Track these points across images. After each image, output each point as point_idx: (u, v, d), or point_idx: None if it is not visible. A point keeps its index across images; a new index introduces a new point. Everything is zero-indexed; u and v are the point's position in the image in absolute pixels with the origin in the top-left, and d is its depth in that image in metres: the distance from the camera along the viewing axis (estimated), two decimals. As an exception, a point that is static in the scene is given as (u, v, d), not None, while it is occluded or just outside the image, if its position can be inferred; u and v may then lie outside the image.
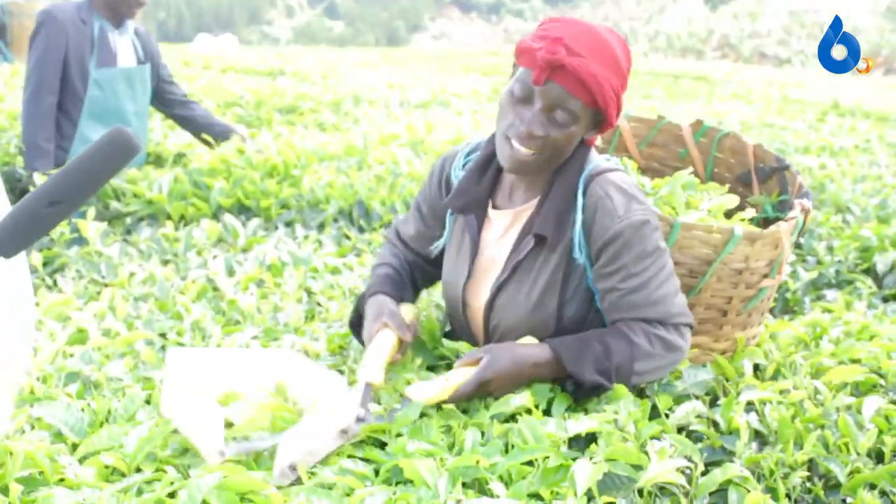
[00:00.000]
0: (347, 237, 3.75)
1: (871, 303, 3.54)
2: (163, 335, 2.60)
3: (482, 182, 2.24)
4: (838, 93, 12.94)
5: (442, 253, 2.40)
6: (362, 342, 2.28)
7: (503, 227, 2.24)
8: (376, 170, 4.46)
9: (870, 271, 3.90)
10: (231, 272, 3.21)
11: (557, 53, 1.95)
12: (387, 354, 2.09)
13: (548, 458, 1.73)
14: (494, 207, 2.26)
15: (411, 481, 1.68)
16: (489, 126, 6.48)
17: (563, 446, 1.81)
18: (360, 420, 1.85)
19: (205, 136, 4.69)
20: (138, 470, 1.76)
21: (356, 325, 2.35)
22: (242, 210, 4.00)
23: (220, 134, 4.71)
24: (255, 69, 10.72)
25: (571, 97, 1.99)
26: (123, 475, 1.73)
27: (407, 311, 2.28)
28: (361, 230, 3.92)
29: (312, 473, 1.72)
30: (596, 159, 2.19)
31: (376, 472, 1.76)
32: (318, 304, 2.92)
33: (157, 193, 3.94)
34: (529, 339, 2.11)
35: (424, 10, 62.60)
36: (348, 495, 1.63)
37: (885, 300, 3.67)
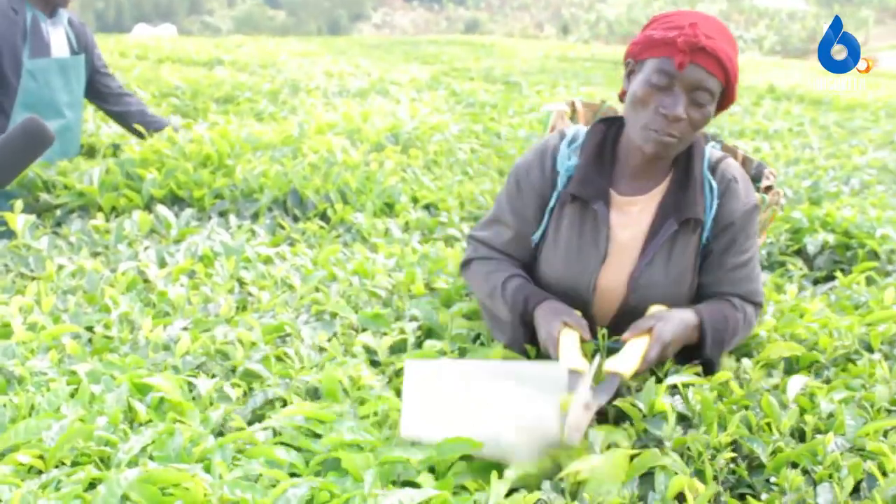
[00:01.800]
0: (282, 226, 3.71)
1: (802, 285, 3.57)
2: (90, 328, 2.56)
3: (603, 170, 2.33)
4: (774, 77, 13.10)
5: (535, 247, 2.45)
6: (521, 350, 2.33)
7: (634, 213, 2.34)
8: (311, 158, 4.42)
9: (801, 252, 3.94)
10: (163, 263, 3.17)
11: (698, 37, 2.09)
12: (579, 348, 2.11)
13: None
14: (618, 194, 2.35)
15: (346, 472, 1.67)
16: (426, 113, 6.46)
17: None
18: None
19: (137, 126, 4.61)
20: (60, 464, 1.73)
21: (520, 337, 2.33)
22: (176, 201, 3.94)
23: (154, 129, 4.63)
24: (192, 59, 10.59)
25: (711, 76, 2.13)
26: (41, 472, 1.70)
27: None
28: (296, 219, 3.88)
29: (235, 465, 1.70)
30: (708, 147, 2.40)
31: (307, 463, 1.75)
32: (250, 294, 2.89)
33: (88, 185, 3.87)
34: (660, 307, 2.26)
35: (366, -1, 62.33)
36: (274, 486, 1.61)
37: (816, 282, 3.70)
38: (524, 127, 6.50)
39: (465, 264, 2.55)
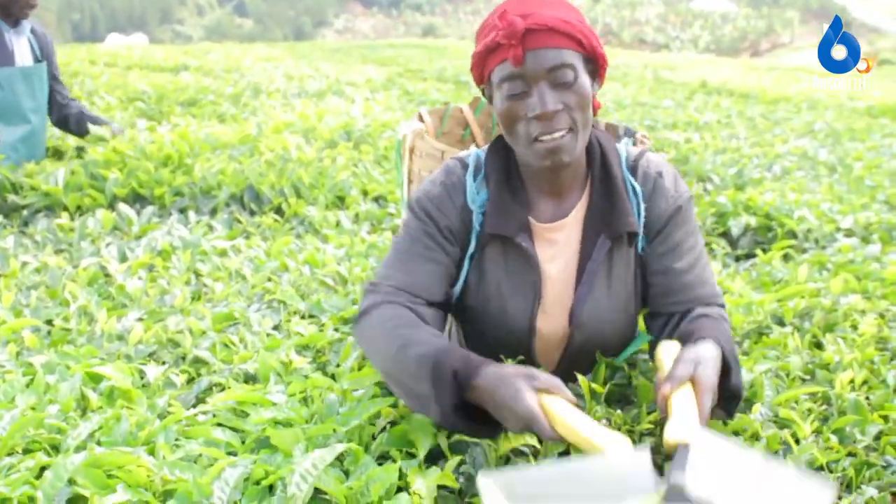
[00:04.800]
0: (238, 221, 3.68)
1: (725, 262, 3.59)
2: (49, 322, 2.52)
3: (516, 198, 1.87)
4: (706, 73, 13.19)
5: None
6: (462, 429, 1.62)
7: (559, 240, 1.90)
8: (267, 156, 4.38)
9: (726, 234, 3.96)
10: (123, 259, 3.12)
11: (514, 23, 1.70)
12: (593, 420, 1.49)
13: (403, 419, 1.71)
14: (538, 222, 1.90)
15: (276, 448, 1.64)
16: (379, 111, 6.43)
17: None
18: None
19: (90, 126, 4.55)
20: (13, 452, 1.69)
21: (451, 418, 1.58)
22: (138, 199, 3.90)
23: (90, 122, 4.62)
24: (159, 65, 10.46)
25: (558, 50, 1.71)
26: (-7, 459, 1.66)
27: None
28: (252, 214, 3.85)
29: (178, 447, 1.67)
30: (621, 146, 1.97)
31: (243, 442, 1.73)
32: (205, 286, 2.85)
33: (54, 186, 3.81)
34: (672, 344, 1.73)
35: (328, 7, 62.22)
36: (212, 465, 1.58)
37: (738, 259, 3.73)
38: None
39: (363, 315, 1.79)
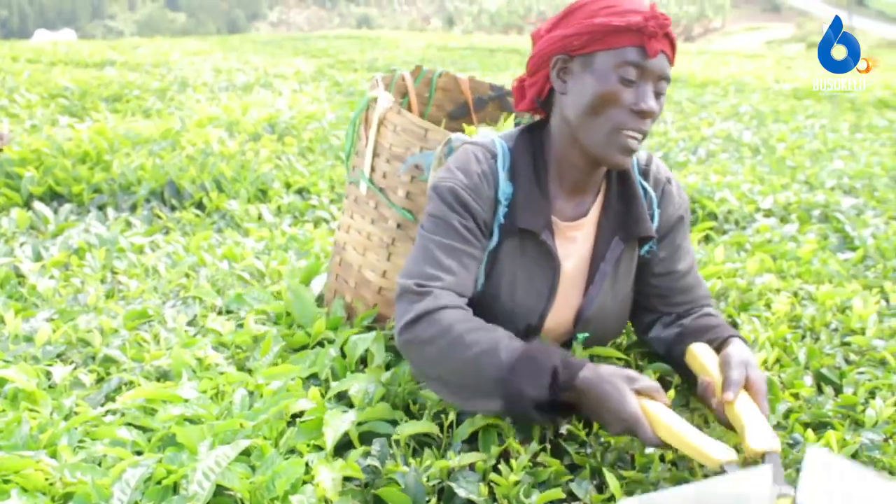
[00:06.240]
0: (158, 216, 3.62)
1: (647, 246, 3.62)
2: (-46, 326, 2.45)
3: (545, 194, 1.83)
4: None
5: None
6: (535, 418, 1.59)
7: (577, 238, 1.88)
8: (189, 151, 4.32)
9: (649, 218, 3.98)
10: (38, 258, 3.05)
11: (667, 20, 1.70)
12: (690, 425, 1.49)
13: (310, 414, 1.69)
14: (560, 219, 1.87)
15: (182, 445, 1.61)
16: (306, 103, 6.37)
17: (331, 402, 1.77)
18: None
19: None
20: None
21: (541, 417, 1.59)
22: (55, 197, 3.82)
23: None
24: (85, 61, 10.27)
25: (669, 62, 1.73)
26: None
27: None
28: (173, 209, 3.79)
29: (82, 448, 1.63)
30: None
31: (150, 440, 1.69)
32: (120, 283, 2.80)
33: (-34, 186, 3.72)
34: (704, 346, 1.80)
35: (262, -1, 61.65)
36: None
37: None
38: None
39: (418, 320, 1.65)
